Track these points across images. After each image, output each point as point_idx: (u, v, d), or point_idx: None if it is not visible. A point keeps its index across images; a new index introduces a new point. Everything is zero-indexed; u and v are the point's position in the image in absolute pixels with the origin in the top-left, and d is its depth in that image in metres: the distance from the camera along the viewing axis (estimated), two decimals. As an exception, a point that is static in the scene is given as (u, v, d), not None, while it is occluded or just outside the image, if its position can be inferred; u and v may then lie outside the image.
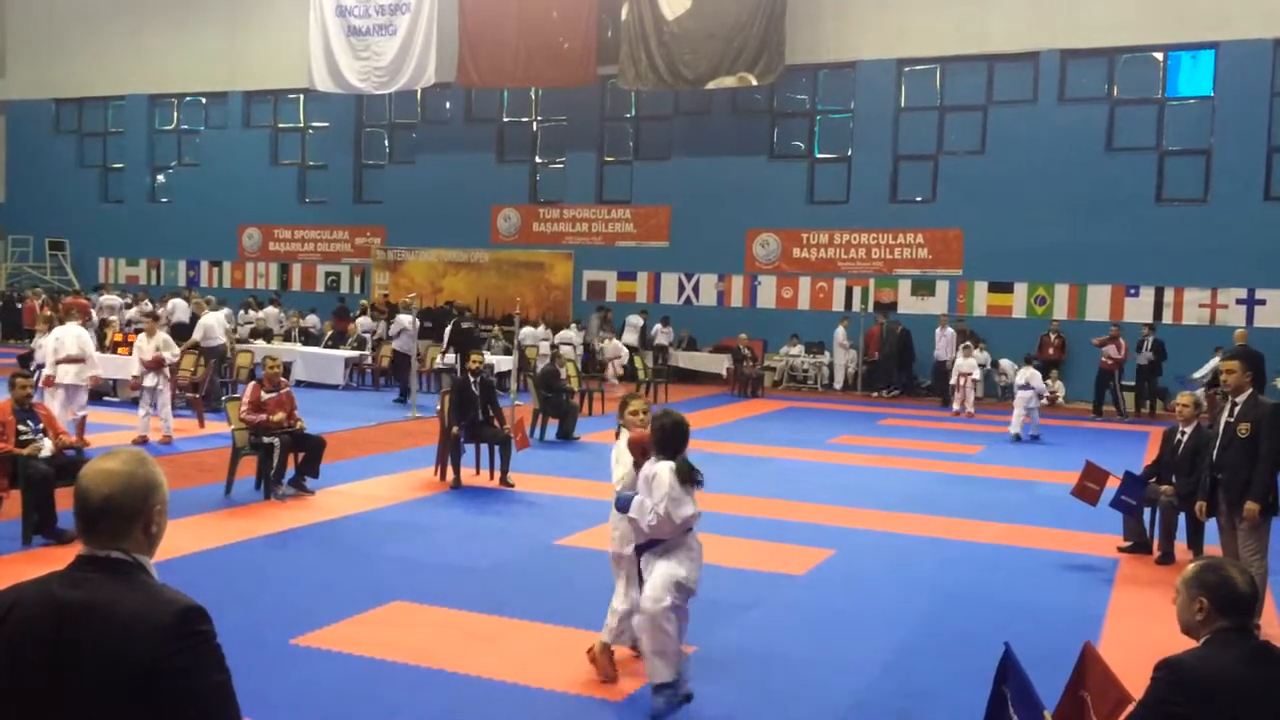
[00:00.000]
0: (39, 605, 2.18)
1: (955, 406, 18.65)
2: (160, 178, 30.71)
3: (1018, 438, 15.67)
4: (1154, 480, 8.87)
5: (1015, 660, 3.27)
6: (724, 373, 22.08)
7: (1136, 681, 3.55)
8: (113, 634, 2.11)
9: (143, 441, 12.54)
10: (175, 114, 30.32)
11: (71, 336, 12.05)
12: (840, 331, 22.25)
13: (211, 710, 2.14)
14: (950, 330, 20.75)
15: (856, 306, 22.79)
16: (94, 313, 21.05)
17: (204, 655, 2.16)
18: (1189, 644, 3.24)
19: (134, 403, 16.07)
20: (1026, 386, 15.97)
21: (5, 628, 2.17)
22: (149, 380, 12.75)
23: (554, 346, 20.99)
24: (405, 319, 18.76)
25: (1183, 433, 8.83)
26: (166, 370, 12.97)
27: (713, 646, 6.20)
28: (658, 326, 23.13)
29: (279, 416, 10.02)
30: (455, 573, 7.62)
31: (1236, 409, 6.88)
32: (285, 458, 9.97)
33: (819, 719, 5.24)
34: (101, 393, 16.09)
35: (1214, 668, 3.03)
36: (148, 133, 30.32)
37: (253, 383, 10.39)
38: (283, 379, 10.62)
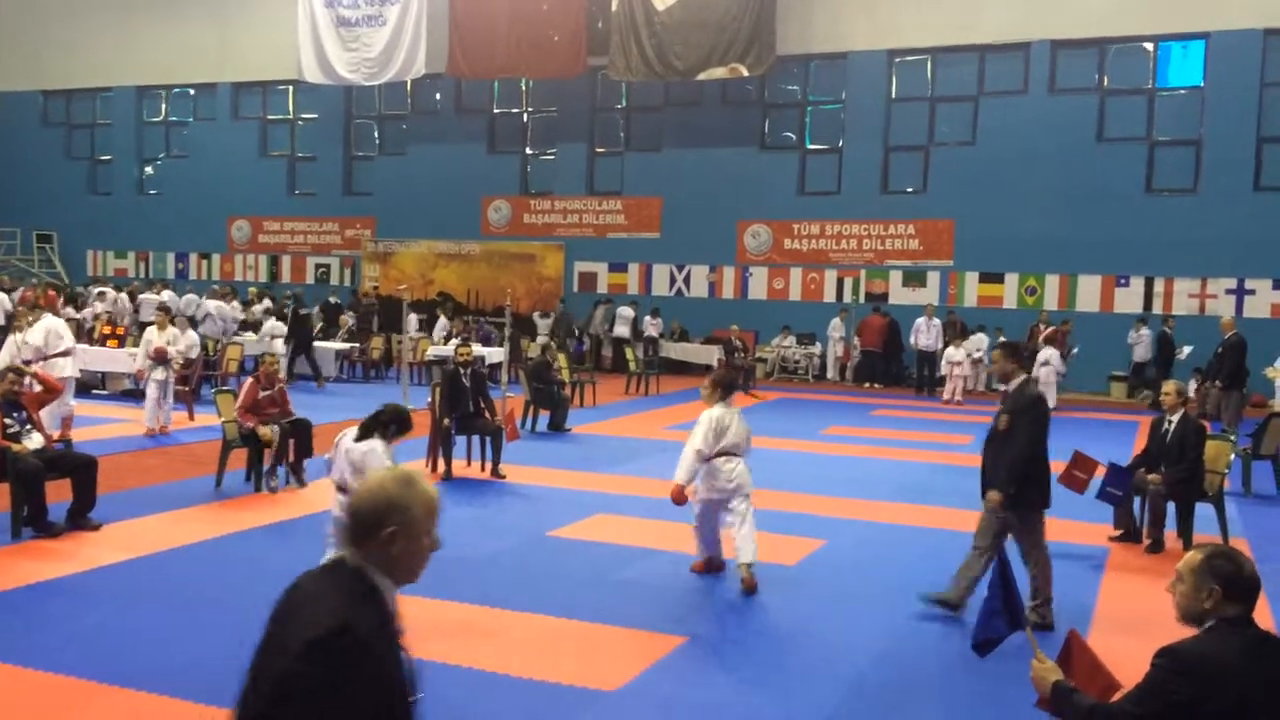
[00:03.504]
0: (290, 588, 2.45)
1: (945, 396, 18.72)
2: (148, 169, 30.57)
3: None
4: (1143, 469, 8.89)
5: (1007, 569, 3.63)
6: (715, 364, 22.09)
7: (1126, 668, 3.56)
8: (294, 625, 2.27)
9: (152, 434, 12.57)
10: (163, 105, 30.16)
11: (63, 328, 12.06)
12: (836, 323, 22.26)
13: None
14: (937, 321, 20.80)
15: (847, 297, 22.81)
16: (93, 305, 20.96)
17: (313, 685, 2.18)
18: (1180, 630, 3.24)
19: (124, 395, 16.11)
20: (1046, 364, 17.12)
21: (276, 603, 2.42)
22: (158, 374, 12.78)
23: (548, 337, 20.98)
24: (211, 305, 19.09)
25: (1169, 421, 8.86)
26: (172, 363, 13.07)
27: (705, 636, 6.21)
28: (647, 318, 23.14)
29: (266, 433, 9.88)
30: (446, 564, 7.56)
31: (1005, 400, 6.72)
32: (286, 447, 9.97)
33: (812, 708, 5.25)
34: (90, 385, 16.06)
35: (1215, 656, 3.03)
36: (135, 124, 30.17)
37: (249, 380, 10.34)
38: (278, 376, 10.60)
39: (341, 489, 6.13)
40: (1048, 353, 17.99)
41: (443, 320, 21.93)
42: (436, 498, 2.43)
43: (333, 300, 24.22)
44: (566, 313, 23.98)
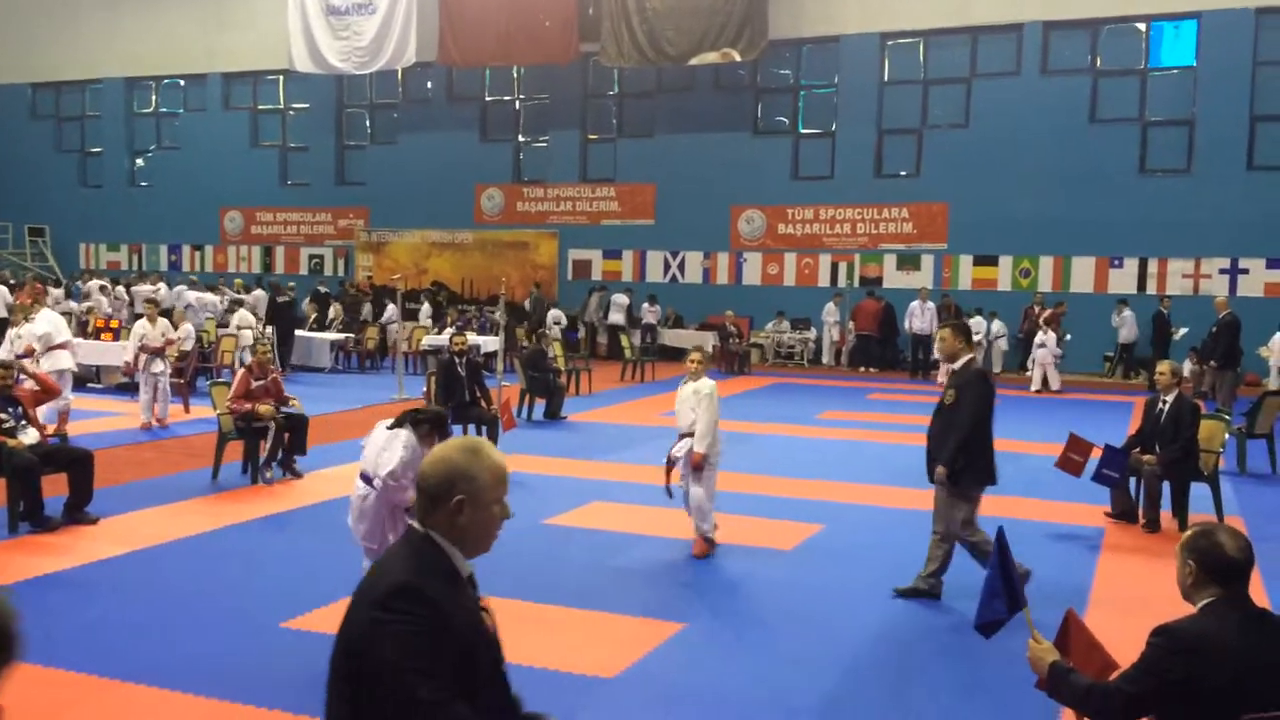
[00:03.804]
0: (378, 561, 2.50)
1: (940, 378, 18.73)
2: (139, 161, 30.46)
3: (1038, 392, 17.91)
4: (1138, 450, 8.91)
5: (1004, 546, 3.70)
6: (710, 350, 22.08)
7: (1123, 647, 3.58)
8: (364, 594, 2.35)
9: (148, 427, 12.54)
10: (153, 97, 30.03)
11: (57, 322, 12.06)
12: (831, 307, 22.26)
13: (383, 689, 2.24)
14: (931, 304, 20.82)
15: (842, 282, 22.80)
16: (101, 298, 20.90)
17: (387, 633, 2.24)
18: (1177, 609, 3.25)
19: (119, 389, 16.07)
20: (1042, 346, 18.07)
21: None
22: (156, 366, 12.77)
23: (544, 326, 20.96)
24: (193, 295, 18.98)
25: (1164, 401, 8.88)
26: (168, 356, 13.09)
27: (702, 622, 6.23)
28: (645, 305, 23.13)
29: (266, 409, 9.93)
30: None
31: (951, 377, 6.76)
32: (280, 440, 9.96)
33: (809, 693, 5.27)
34: (85, 379, 16.03)
35: (1211, 634, 3.04)
36: (125, 116, 30.04)
37: (242, 370, 10.33)
38: (271, 365, 10.58)
39: (365, 477, 6.09)
40: (1045, 335, 18.19)
41: (426, 306, 21.77)
42: (505, 466, 2.44)
43: (322, 289, 24.16)
44: (540, 298, 23.90)
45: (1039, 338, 18.55)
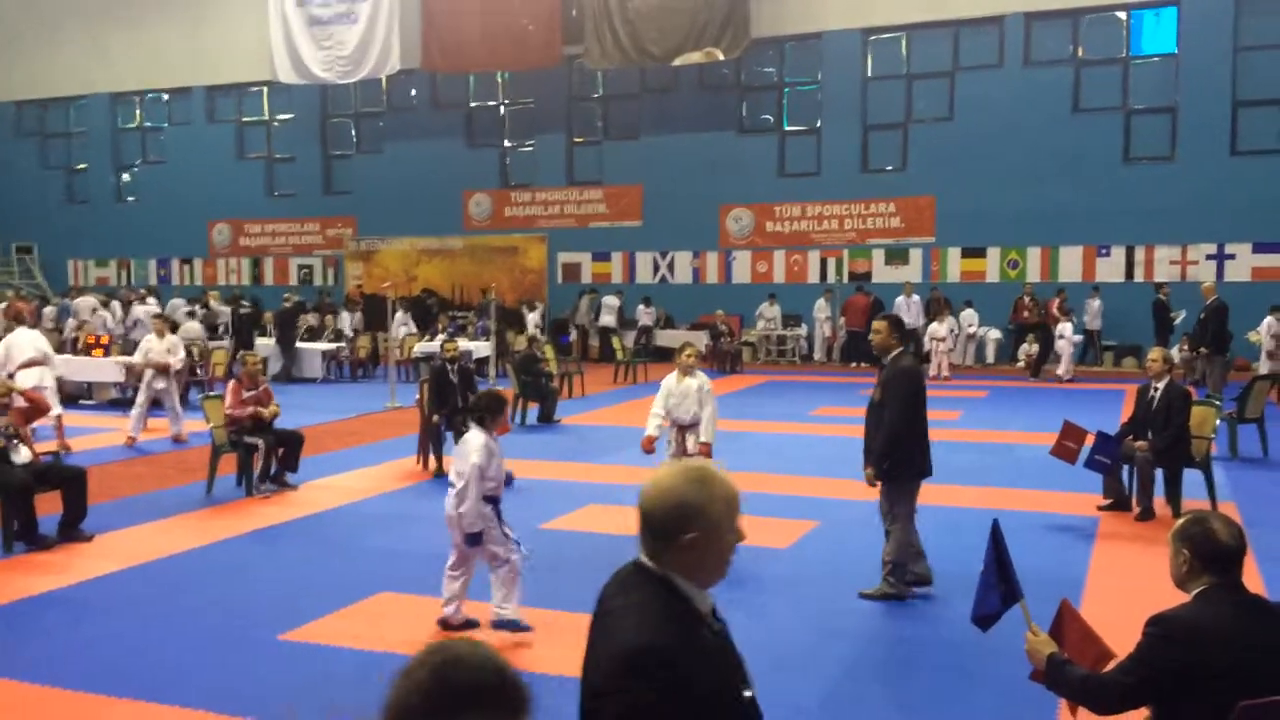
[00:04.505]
0: (601, 599, 2.33)
1: (932, 372, 18.78)
2: (125, 176, 30.38)
3: (1068, 382, 18.36)
4: (1130, 437, 8.94)
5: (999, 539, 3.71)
6: (702, 349, 22.07)
7: (1119, 636, 3.59)
8: (602, 641, 2.21)
9: (132, 444, 12.48)
10: (138, 112, 29.95)
11: (27, 341, 11.96)
12: (821, 304, 22.28)
13: None
14: (916, 298, 20.87)
15: (831, 278, 22.83)
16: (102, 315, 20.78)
17: (618, 703, 2.09)
18: (1172, 597, 3.27)
19: (112, 404, 16.03)
20: (1062, 337, 18.53)
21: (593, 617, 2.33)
22: (159, 383, 12.75)
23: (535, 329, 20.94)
24: (140, 310, 18.84)
25: (1155, 389, 8.92)
26: (174, 372, 13.07)
27: (701, 622, 6.23)
28: (640, 307, 23.11)
29: (272, 409, 10.09)
30: (440, 562, 7.57)
31: (881, 373, 6.74)
32: (270, 456, 9.96)
33: (807, 690, 5.28)
34: (76, 396, 15.99)
35: (1205, 622, 3.05)
36: (111, 132, 29.96)
37: (233, 382, 10.32)
38: (261, 376, 10.57)
39: (453, 484, 6.13)
40: (1063, 326, 18.68)
41: (400, 314, 21.66)
42: (736, 492, 2.27)
43: (297, 300, 23.72)
44: (489, 302, 23.76)
45: (1058, 328, 18.77)
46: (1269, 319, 16.52)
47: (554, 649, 5.83)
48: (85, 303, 22.12)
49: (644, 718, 2.06)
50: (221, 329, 21.59)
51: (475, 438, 6.14)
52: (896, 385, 6.52)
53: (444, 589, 6.20)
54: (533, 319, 22.30)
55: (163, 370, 12.77)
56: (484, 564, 6.16)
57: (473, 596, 6.75)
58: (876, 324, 6.84)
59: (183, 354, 13.59)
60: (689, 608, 2.23)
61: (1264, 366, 16.34)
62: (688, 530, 2.19)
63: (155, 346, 12.94)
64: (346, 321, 22.51)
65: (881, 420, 6.54)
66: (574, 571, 7.28)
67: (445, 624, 6.17)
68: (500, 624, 6.02)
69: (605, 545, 7.96)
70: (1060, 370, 18.68)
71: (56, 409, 11.84)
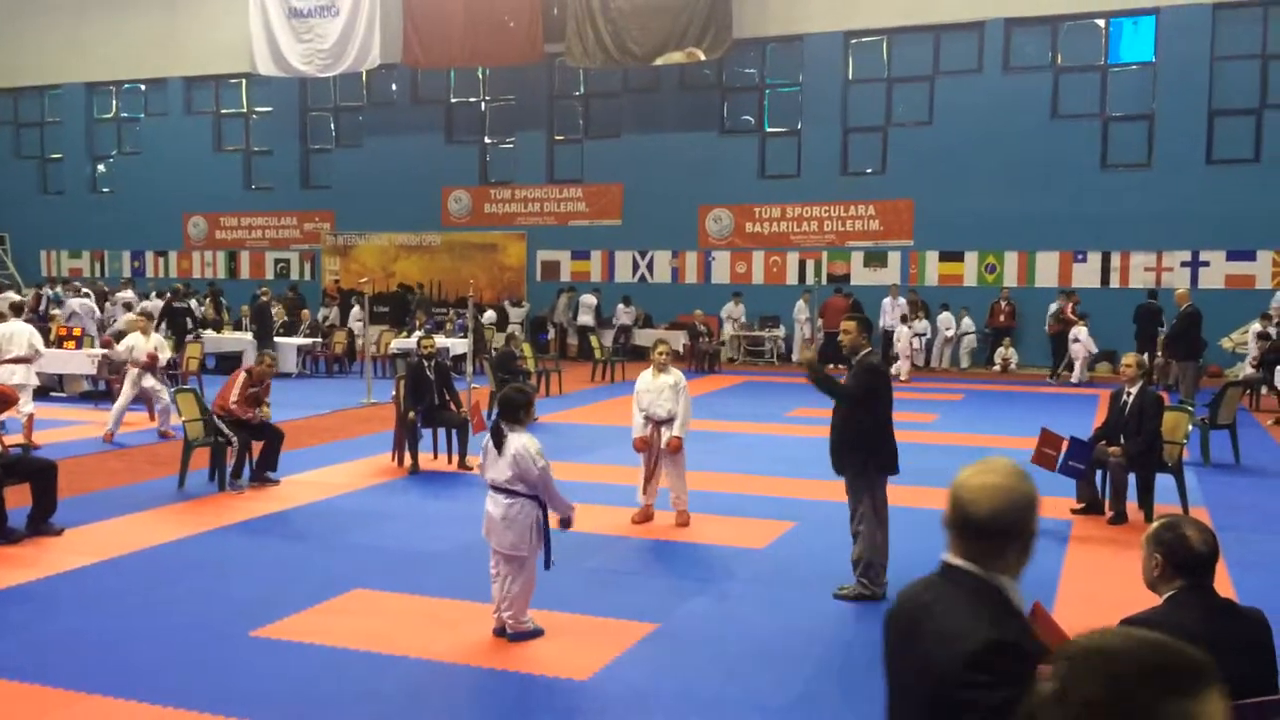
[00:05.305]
0: (904, 600, 2.31)
1: (893, 371, 18.92)
2: (101, 167, 30.08)
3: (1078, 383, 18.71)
4: (1103, 442, 9.00)
5: None
6: (680, 349, 22.09)
7: (1090, 640, 3.61)
8: (931, 643, 2.14)
9: (109, 439, 12.34)
10: (114, 102, 29.66)
11: (24, 335, 11.89)
12: (800, 305, 22.32)
13: None
14: (901, 300, 20.97)
15: (810, 280, 22.89)
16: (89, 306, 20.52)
17: (982, 697, 2.01)
18: (1143, 600, 3.29)
19: (83, 397, 15.88)
20: (1076, 340, 18.84)
21: (888, 617, 2.35)
22: (147, 381, 12.64)
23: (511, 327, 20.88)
24: (75, 303, 18.71)
25: (1128, 394, 8.98)
26: (161, 368, 12.98)
27: (675, 622, 6.23)
28: (620, 306, 23.10)
29: (266, 411, 10.09)
30: (416, 558, 7.58)
31: (848, 373, 6.85)
32: (244, 454, 9.89)
33: (781, 691, 5.29)
34: (48, 388, 15.82)
35: (1175, 625, 3.07)
36: (86, 122, 29.66)
37: (242, 374, 10.19)
38: (269, 379, 10.54)
39: (500, 488, 5.93)
40: (1078, 330, 18.83)
41: (356, 310, 21.43)
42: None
43: (264, 297, 23.44)
44: (424, 299, 23.73)
45: (1073, 332, 18.88)
46: (1255, 325, 16.86)
47: (528, 647, 5.82)
48: (84, 305, 21.77)
49: (1009, 711, 2.00)
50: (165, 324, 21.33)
51: (528, 442, 5.91)
52: (855, 379, 6.73)
53: (494, 595, 6.04)
54: (516, 315, 22.28)
55: (150, 366, 12.65)
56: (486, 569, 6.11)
57: (473, 597, 6.73)
58: (845, 324, 6.97)
59: (169, 352, 13.51)
60: (1017, 610, 2.20)
61: (1246, 370, 16.60)
62: (1027, 530, 2.17)
63: (140, 344, 12.81)
64: (321, 316, 22.37)
65: (848, 416, 6.70)
66: (550, 570, 7.26)
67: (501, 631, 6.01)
68: (519, 636, 5.93)
69: (580, 543, 7.94)
70: (1074, 377, 18.78)
71: (29, 408, 11.73)
